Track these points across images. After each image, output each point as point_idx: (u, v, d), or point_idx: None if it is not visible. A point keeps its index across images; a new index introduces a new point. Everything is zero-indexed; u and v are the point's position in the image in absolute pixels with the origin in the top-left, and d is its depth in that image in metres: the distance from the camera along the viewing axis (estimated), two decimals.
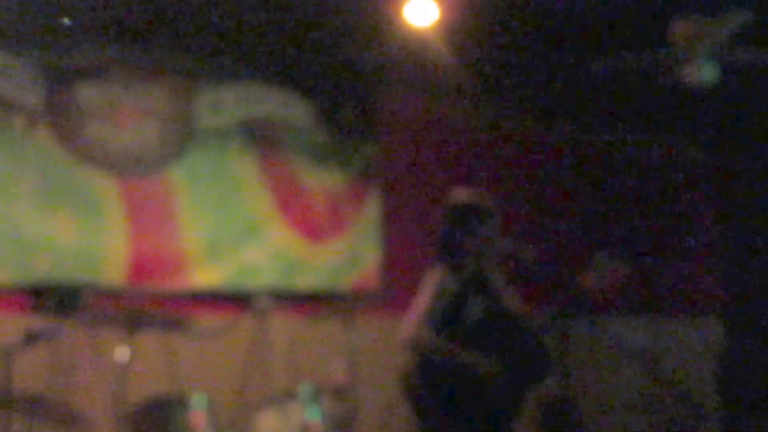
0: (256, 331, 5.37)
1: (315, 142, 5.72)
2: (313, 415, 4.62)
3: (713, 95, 5.24)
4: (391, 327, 4.23)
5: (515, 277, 4.20)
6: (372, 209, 5.86)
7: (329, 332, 5.23)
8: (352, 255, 5.75)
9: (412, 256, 4.81)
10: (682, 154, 7.13)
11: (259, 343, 5.37)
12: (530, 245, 4.08)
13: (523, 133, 6.41)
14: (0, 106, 4.86)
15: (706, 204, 7.22)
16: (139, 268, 5.11)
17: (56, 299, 4.89)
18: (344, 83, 5.79)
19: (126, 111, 5.19)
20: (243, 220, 5.45)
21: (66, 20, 4.81)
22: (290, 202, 5.59)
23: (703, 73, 4.65)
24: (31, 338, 4.44)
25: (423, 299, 3.92)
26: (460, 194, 4.10)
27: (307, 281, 5.61)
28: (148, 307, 4.77)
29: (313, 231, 5.64)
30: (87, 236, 5.01)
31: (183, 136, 5.36)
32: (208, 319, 5.29)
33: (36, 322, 4.69)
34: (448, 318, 3.89)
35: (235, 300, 5.38)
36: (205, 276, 5.30)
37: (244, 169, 5.49)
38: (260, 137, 5.55)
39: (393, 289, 5.67)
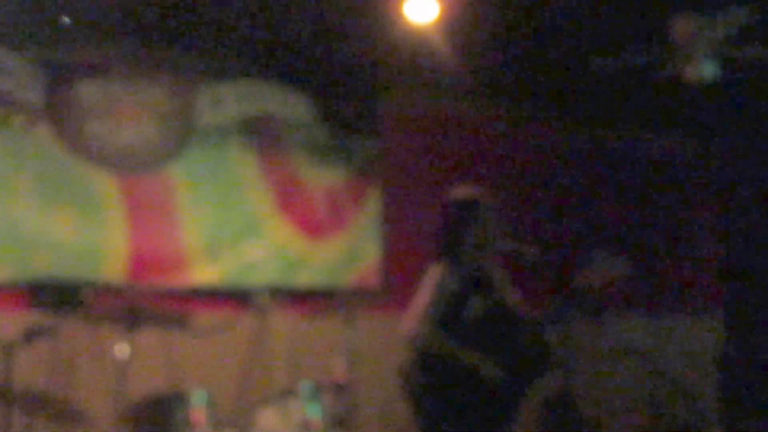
0: (256, 328, 5.38)
1: (315, 139, 5.71)
2: (313, 412, 4.62)
3: (714, 93, 5.24)
4: (391, 324, 4.24)
5: (515, 276, 4.21)
6: (372, 206, 5.85)
7: (329, 329, 5.23)
8: (352, 252, 5.74)
9: (412, 254, 4.82)
10: (683, 152, 7.12)
11: (259, 340, 5.37)
12: (530, 243, 4.09)
13: (523, 130, 6.40)
14: (0, 103, 4.87)
15: (706, 203, 7.21)
16: (139, 265, 5.12)
17: (56, 296, 4.90)
18: (344, 80, 5.79)
19: (126, 108, 5.19)
20: (243, 217, 5.45)
21: (66, 18, 4.81)
22: (290, 199, 5.59)
23: (703, 70, 4.65)
24: (31, 335, 4.45)
25: (423, 296, 3.92)
26: (460, 190, 4.10)
27: (307, 278, 5.60)
28: (148, 304, 4.79)
29: (313, 228, 5.63)
30: (87, 233, 5.02)
31: (183, 134, 5.36)
32: (208, 316, 5.29)
33: (36, 319, 4.70)
34: (448, 315, 3.89)
35: (235, 297, 5.38)
36: (205, 273, 5.30)
37: (245, 166, 5.49)
38: (260, 134, 5.55)
39: (393, 286, 5.66)
